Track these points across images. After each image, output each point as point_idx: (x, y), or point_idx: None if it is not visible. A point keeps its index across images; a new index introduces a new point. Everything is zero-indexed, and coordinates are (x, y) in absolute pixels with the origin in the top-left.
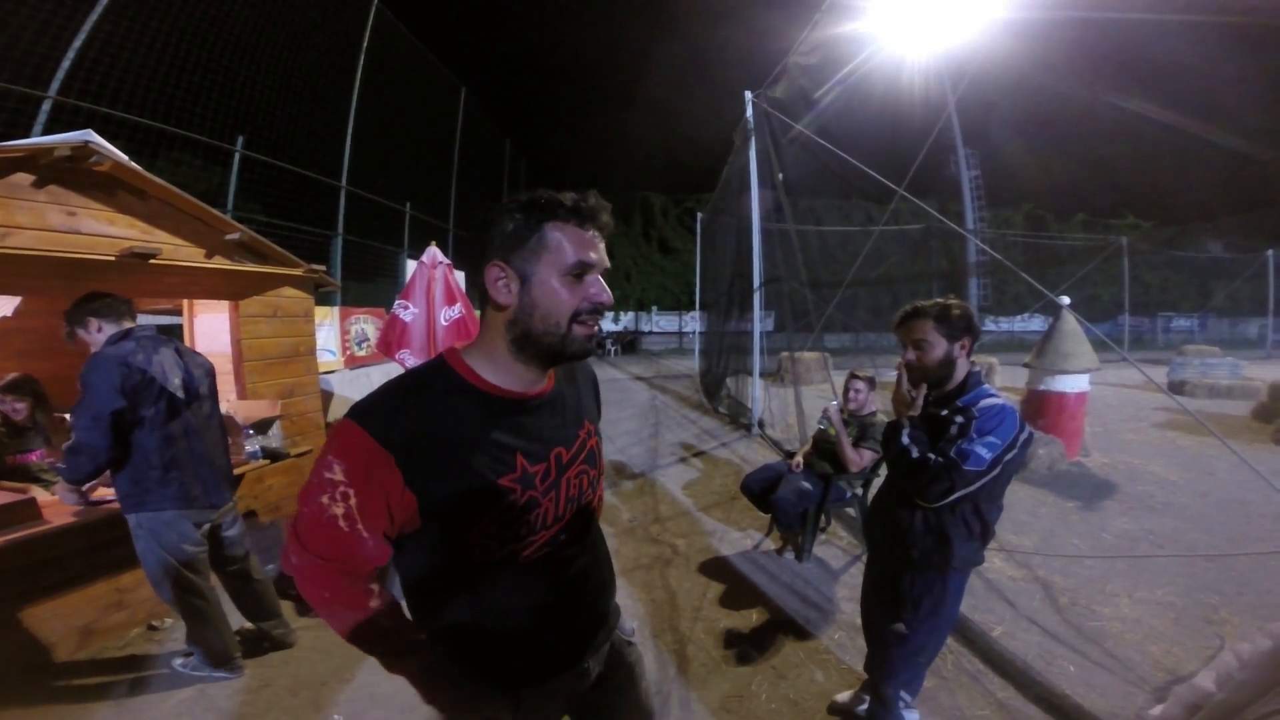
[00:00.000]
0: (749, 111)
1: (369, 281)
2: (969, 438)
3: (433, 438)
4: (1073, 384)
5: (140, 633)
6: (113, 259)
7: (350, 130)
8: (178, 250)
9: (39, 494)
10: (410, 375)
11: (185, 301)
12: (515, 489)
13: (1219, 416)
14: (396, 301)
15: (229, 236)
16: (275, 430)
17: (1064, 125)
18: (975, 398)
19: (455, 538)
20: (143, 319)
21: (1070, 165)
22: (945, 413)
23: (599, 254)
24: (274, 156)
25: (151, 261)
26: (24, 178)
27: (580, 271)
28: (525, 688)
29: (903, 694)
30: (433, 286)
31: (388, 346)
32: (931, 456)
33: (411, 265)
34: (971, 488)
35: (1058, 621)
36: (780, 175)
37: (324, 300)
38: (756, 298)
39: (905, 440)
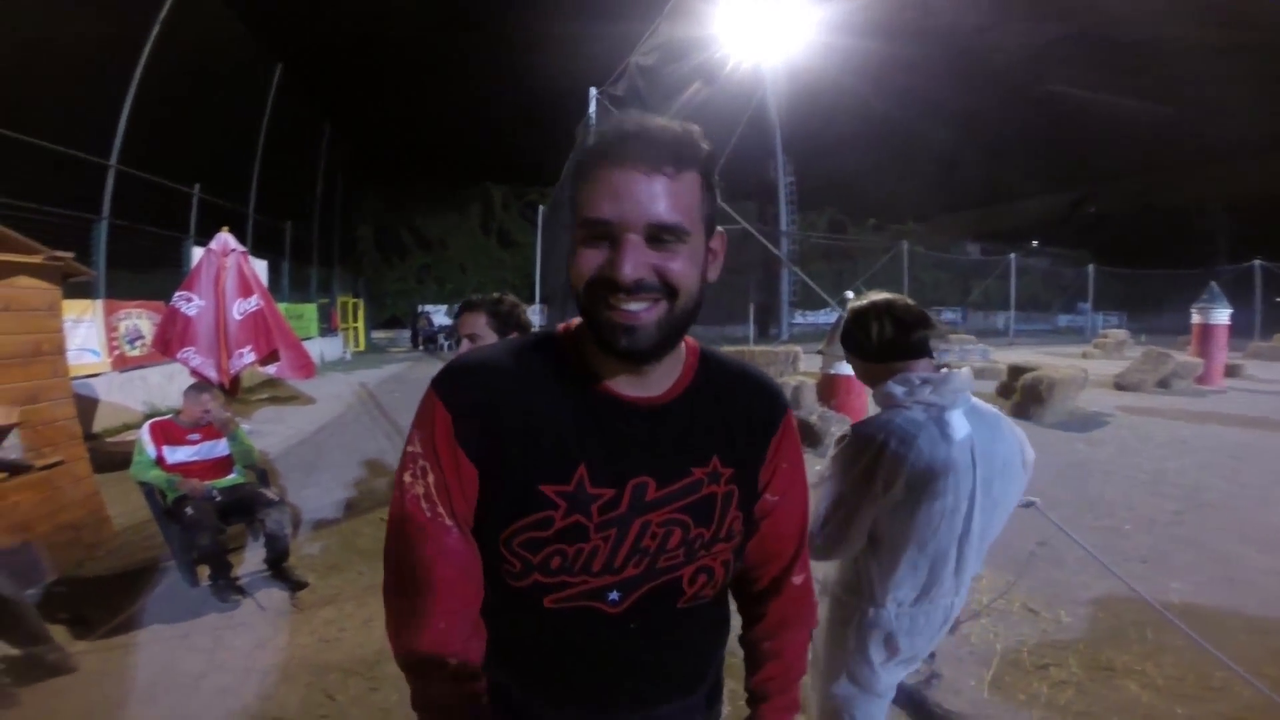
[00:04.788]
0: (592, 108)
1: (145, 272)
2: None
3: (497, 410)
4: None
5: None
6: None
7: (129, 103)
8: None
9: None
10: (509, 342)
11: None
12: (559, 505)
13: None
14: (177, 293)
15: None
16: (13, 440)
17: (864, 138)
18: None
19: (491, 541)
20: None
21: (866, 174)
22: None
23: (626, 205)
24: (20, 129)
25: None
26: None
27: (595, 232)
28: None
29: None
30: (223, 276)
31: (166, 345)
32: None
33: (199, 254)
34: None
35: None
36: None
37: (81, 292)
38: None
39: None
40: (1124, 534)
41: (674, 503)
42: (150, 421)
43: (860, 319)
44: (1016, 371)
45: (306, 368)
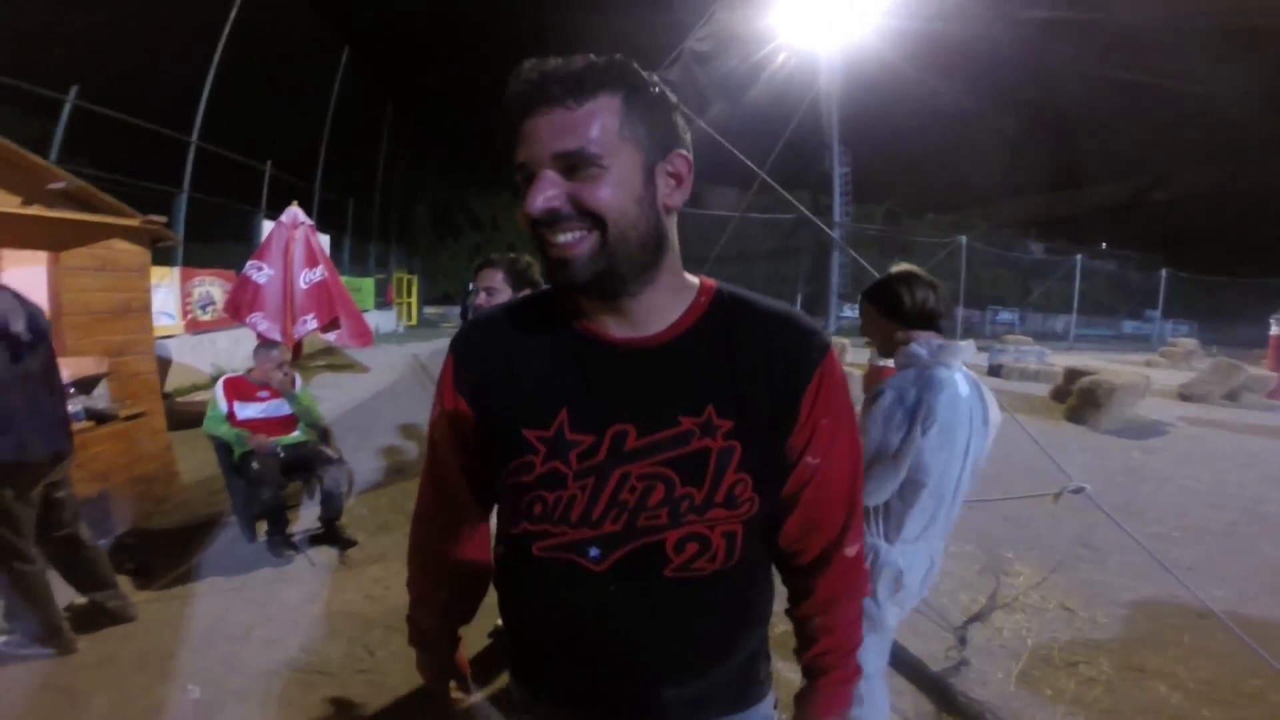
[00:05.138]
0: None
1: (218, 242)
2: None
3: (488, 358)
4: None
5: None
6: None
7: (210, 82)
8: None
9: None
10: (520, 297)
11: None
12: (539, 450)
13: (1025, 395)
14: (249, 262)
15: (53, 185)
16: (101, 390)
17: (925, 126)
18: None
19: (494, 487)
20: None
21: (926, 162)
22: None
23: (532, 145)
24: (113, 107)
25: None
26: None
27: (521, 178)
28: (536, 697)
29: None
30: (292, 247)
31: (237, 310)
32: None
33: (269, 227)
34: None
35: None
36: None
37: (162, 259)
38: None
39: None
40: (1173, 540)
41: (656, 454)
42: (224, 377)
43: (909, 284)
44: (1073, 375)
45: (364, 336)
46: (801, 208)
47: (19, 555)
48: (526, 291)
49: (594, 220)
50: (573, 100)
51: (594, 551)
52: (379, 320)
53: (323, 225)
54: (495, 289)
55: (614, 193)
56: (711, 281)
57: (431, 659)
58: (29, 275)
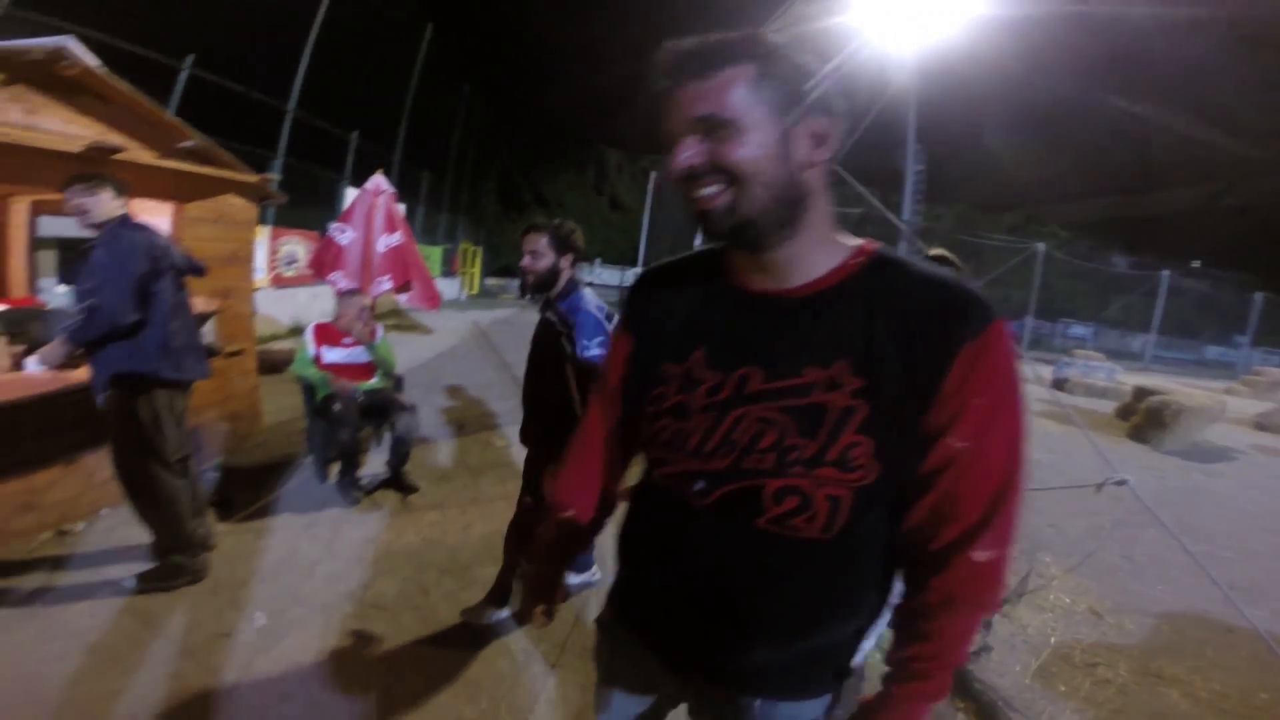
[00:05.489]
0: None
1: (302, 206)
2: (580, 345)
3: (650, 298)
4: None
5: (49, 537)
6: (78, 151)
7: (308, 55)
8: (132, 153)
9: None
10: (697, 249)
11: None
12: (672, 383)
13: (1088, 411)
14: (333, 225)
15: (182, 144)
16: (210, 327)
17: (1008, 122)
18: (572, 303)
19: (638, 408)
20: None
21: (1005, 160)
22: (551, 316)
23: (674, 115)
24: (216, 75)
25: (114, 157)
26: None
27: (668, 144)
28: (619, 619)
29: None
30: (374, 213)
31: (320, 267)
32: None
33: (351, 194)
34: None
35: None
36: None
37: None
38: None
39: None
40: (1220, 560)
41: (776, 400)
42: (314, 323)
43: (937, 265)
44: (1142, 394)
45: (434, 300)
46: (876, 202)
47: (170, 470)
48: (570, 255)
49: (729, 176)
50: (706, 73)
51: (699, 484)
52: (444, 287)
53: (399, 195)
54: (539, 252)
55: (747, 150)
56: (874, 244)
57: (537, 573)
58: (155, 224)
